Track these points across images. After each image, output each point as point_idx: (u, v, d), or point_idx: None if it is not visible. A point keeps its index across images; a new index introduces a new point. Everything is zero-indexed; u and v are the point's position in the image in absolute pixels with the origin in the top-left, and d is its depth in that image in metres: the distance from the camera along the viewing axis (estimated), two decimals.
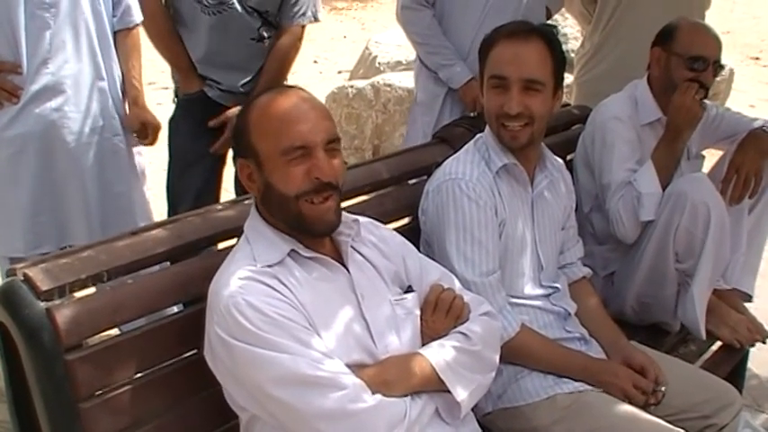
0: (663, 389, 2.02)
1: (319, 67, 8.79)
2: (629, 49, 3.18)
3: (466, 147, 2.12)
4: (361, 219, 1.75)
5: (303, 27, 2.94)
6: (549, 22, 3.28)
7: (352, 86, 5.72)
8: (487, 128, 2.10)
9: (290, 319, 1.50)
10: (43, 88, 2.51)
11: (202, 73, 2.85)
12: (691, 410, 2.08)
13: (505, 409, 1.99)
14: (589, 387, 1.98)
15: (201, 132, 2.85)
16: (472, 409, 1.77)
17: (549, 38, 2.02)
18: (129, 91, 2.74)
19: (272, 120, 1.58)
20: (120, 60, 2.73)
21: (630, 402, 1.96)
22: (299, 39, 2.94)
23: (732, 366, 2.66)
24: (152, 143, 2.82)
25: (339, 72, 8.44)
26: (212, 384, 1.62)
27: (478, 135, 2.13)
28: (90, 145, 2.59)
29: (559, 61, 2.03)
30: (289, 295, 1.53)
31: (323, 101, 6.18)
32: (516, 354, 1.98)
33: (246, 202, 1.90)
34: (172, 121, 2.96)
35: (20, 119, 2.50)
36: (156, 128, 2.78)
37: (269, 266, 1.56)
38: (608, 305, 2.59)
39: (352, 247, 1.69)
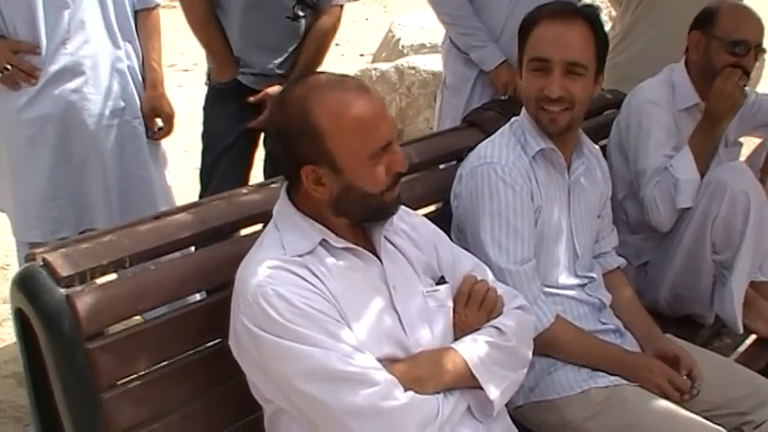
0: (697, 383, 1.95)
1: (341, 49, 8.70)
2: (660, 32, 3.10)
3: (501, 130, 2.05)
4: None
5: (341, 7, 2.89)
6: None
7: (375, 69, 5.65)
8: (524, 111, 2.02)
9: (321, 311, 1.44)
10: (62, 69, 2.46)
11: (237, 55, 2.79)
12: (727, 406, 2.01)
13: (538, 403, 1.93)
14: (624, 381, 1.91)
15: (235, 117, 2.79)
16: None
17: (593, 20, 1.95)
18: (148, 74, 2.69)
19: (353, 126, 1.48)
20: (140, 42, 2.67)
21: (665, 398, 1.90)
22: (338, 19, 2.89)
23: (766, 361, 2.59)
24: (167, 133, 2.76)
25: (361, 55, 8.36)
26: (236, 374, 1.57)
27: (514, 118, 2.06)
28: (110, 128, 2.54)
29: (602, 44, 1.96)
30: (319, 286, 1.47)
31: None
32: (550, 345, 1.91)
33: (273, 186, 1.84)
34: (206, 106, 2.91)
35: (38, 100, 2.46)
36: (170, 116, 2.72)
37: (299, 256, 1.50)
38: (641, 296, 2.51)
39: (384, 235, 1.62)
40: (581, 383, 1.90)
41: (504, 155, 1.94)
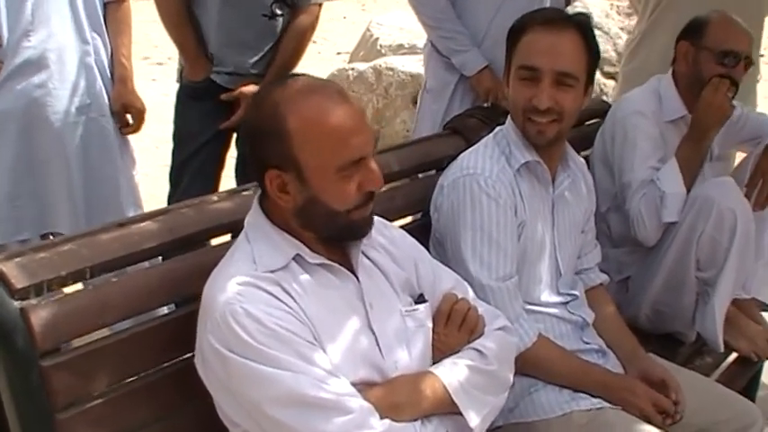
0: (681, 408, 1.89)
1: (318, 47, 8.62)
2: (671, 42, 3.04)
3: (485, 140, 1.97)
4: None
5: (320, 6, 2.83)
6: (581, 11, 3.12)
7: (352, 69, 5.56)
8: (509, 121, 1.95)
9: (293, 332, 1.35)
10: (25, 62, 2.35)
11: (212, 52, 2.71)
12: (711, 429, 1.96)
13: (517, 424, 1.85)
14: (607, 404, 1.84)
15: (208, 116, 2.71)
16: None
17: (585, 29, 1.88)
18: (117, 69, 2.59)
19: (324, 133, 1.39)
20: (110, 36, 2.56)
21: (648, 422, 1.83)
22: (317, 18, 2.83)
23: (747, 380, 2.54)
24: (136, 130, 2.67)
25: (338, 53, 8.29)
26: (204, 394, 1.47)
27: (498, 128, 1.98)
28: (76, 125, 2.43)
29: (594, 55, 1.89)
30: (292, 305, 1.38)
31: None
32: (532, 365, 1.84)
33: (245, 193, 1.75)
34: (177, 105, 2.83)
35: (4, 97, 2.35)
36: (140, 112, 2.63)
37: (271, 272, 1.41)
38: (621, 311, 2.44)
39: (361, 251, 1.54)
40: (562, 405, 1.83)
41: (488, 166, 1.86)
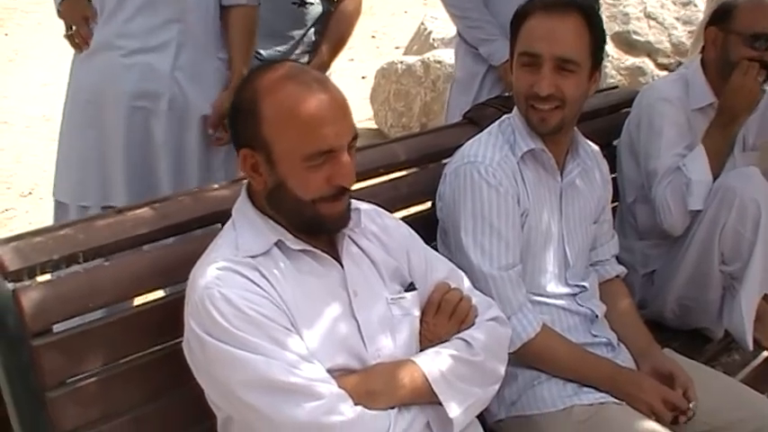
0: (692, 405, 1.82)
1: (377, 42, 8.62)
2: None
3: (489, 128, 1.94)
4: (363, 206, 1.59)
5: None
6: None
7: (401, 62, 5.56)
8: (515, 109, 1.92)
9: (268, 317, 1.36)
10: (102, 41, 2.41)
11: None
12: (725, 429, 1.88)
13: (518, 418, 1.83)
14: (611, 399, 1.79)
15: None
16: (483, 415, 1.63)
17: (589, 14, 1.83)
18: (232, 73, 2.50)
19: (294, 119, 1.39)
20: (227, 40, 2.52)
21: (657, 419, 1.78)
22: (360, 3, 2.90)
23: None
24: (222, 139, 2.53)
25: (396, 48, 8.25)
26: (193, 378, 1.49)
27: (505, 116, 1.95)
28: (141, 111, 2.38)
29: (598, 40, 1.84)
30: (269, 290, 1.39)
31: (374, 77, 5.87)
32: (536, 357, 1.82)
33: (244, 182, 1.77)
34: None
35: (80, 68, 2.47)
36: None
37: (252, 257, 1.42)
38: (647, 306, 2.41)
39: (349, 237, 1.54)
40: (564, 400, 1.79)
41: (489, 154, 1.84)
